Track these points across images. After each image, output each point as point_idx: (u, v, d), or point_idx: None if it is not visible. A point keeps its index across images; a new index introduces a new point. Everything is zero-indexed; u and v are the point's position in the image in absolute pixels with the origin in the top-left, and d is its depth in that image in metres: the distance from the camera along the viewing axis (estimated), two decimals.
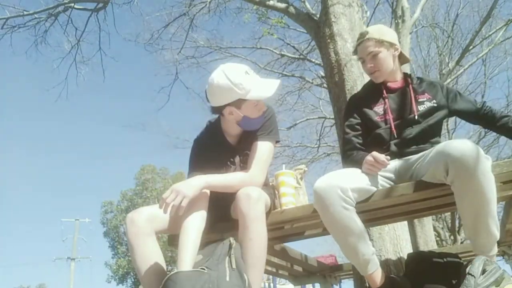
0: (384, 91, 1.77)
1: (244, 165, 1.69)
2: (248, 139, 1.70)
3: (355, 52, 1.85)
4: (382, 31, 1.77)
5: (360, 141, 1.75)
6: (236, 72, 1.53)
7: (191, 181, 1.50)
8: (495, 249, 1.41)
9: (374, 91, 1.81)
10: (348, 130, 1.79)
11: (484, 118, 1.74)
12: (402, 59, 1.84)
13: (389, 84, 1.79)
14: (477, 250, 1.41)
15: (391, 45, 1.76)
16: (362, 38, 1.77)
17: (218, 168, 1.69)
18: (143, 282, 1.46)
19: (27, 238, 60.99)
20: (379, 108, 1.76)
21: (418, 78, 1.83)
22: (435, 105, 1.71)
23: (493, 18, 8.09)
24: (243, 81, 1.51)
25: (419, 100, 1.73)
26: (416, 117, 1.68)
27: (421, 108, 1.71)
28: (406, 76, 1.82)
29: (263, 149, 1.64)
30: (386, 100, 1.75)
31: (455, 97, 1.75)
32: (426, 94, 1.74)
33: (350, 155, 1.71)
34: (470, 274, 1.20)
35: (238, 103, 1.56)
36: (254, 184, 1.54)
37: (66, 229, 30.78)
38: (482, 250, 1.39)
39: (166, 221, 1.59)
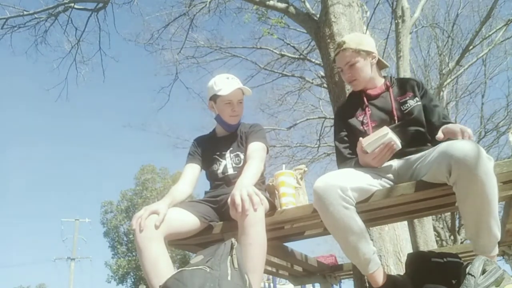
0: (365, 99, 1.80)
1: (236, 165, 1.88)
2: (235, 138, 1.94)
3: (334, 61, 1.85)
4: (359, 40, 1.77)
5: (351, 151, 1.77)
6: (220, 76, 1.93)
7: (242, 183, 1.58)
8: (496, 250, 1.41)
9: (357, 99, 1.84)
10: (337, 144, 1.82)
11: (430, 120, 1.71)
12: (380, 64, 1.87)
13: (369, 92, 1.81)
14: (478, 251, 1.41)
15: (368, 53, 1.77)
16: (339, 48, 1.76)
17: (208, 160, 1.95)
18: (152, 285, 1.46)
19: (27, 238, 61.08)
20: (362, 117, 1.78)
21: (396, 79, 1.85)
22: (419, 102, 1.73)
23: (493, 18, 8.11)
24: (220, 81, 1.90)
25: (401, 101, 1.75)
26: (397, 121, 1.69)
27: (405, 107, 1.72)
28: (386, 79, 1.84)
29: (259, 146, 1.85)
30: (367, 108, 1.78)
31: (425, 93, 1.78)
32: (407, 93, 1.76)
33: (343, 165, 1.73)
34: (470, 274, 1.19)
35: (215, 97, 1.91)
36: (260, 169, 1.73)
37: (66, 229, 30.64)
38: (483, 250, 1.39)
39: (176, 226, 1.62)
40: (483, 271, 1.21)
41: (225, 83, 1.88)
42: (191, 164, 1.95)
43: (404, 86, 1.80)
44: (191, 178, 1.90)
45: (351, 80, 1.79)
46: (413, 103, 1.72)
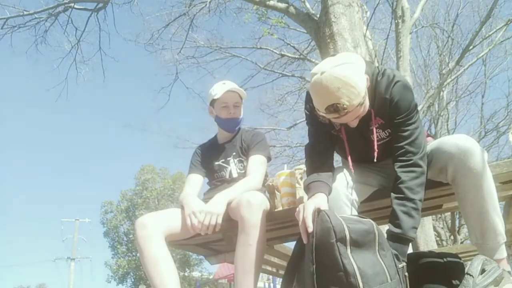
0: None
1: (240, 171, 1.90)
2: (237, 145, 1.95)
3: (328, 121, 1.42)
4: (352, 92, 1.23)
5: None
6: (218, 83, 1.98)
7: (216, 200, 1.63)
8: (505, 251, 1.36)
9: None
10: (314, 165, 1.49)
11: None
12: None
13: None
14: (487, 255, 1.29)
15: (363, 97, 1.28)
16: (338, 115, 1.27)
17: (212, 167, 1.95)
18: (155, 284, 1.48)
19: (27, 238, 61.14)
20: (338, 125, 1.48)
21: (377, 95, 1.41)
22: (387, 134, 1.44)
23: (493, 18, 8.10)
24: (216, 86, 1.95)
25: (370, 127, 1.43)
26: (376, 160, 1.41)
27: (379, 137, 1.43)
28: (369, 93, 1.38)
29: (259, 160, 1.86)
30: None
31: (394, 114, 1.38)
32: (378, 118, 1.42)
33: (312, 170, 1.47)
34: (469, 274, 1.19)
35: (213, 102, 1.97)
36: (256, 188, 1.72)
37: (66, 229, 30.64)
38: (492, 254, 1.34)
39: (175, 226, 1.64)
40: (482, 271, 1.21)
41: (221, 88, 1.92)
42: (196, 175, 1.96)
43: (377, 106, 1.41)
44: (197, 189, 1.91)
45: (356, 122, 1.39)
46: (383, 135, 1.44)
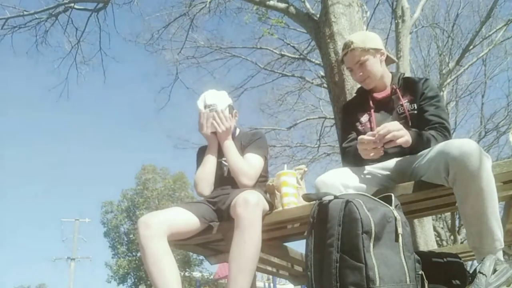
0: (371, 102, 1.78)
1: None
2: (237, 145, 1.96)
3: (342, 61, 1.84)
4: (365, 38, 1.75)
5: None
6: (200, 99, 1.98)
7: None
8: (501, 257, 1.34)
9: (363, 98, 1.83)
10: (344, 145, 1.81)
11: None
12: (388, 60, 1.84)
13: (375, 95, 1.79)
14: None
15: (377, 51, 1.74)
16: (347, 49, 1.75)
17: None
18: (157, 284, 1.47)
19: (27, 238, 61.15)
20: (365, 118, 1.78)
21: (404, 79, 1.80)
22: (415, 111, 1.67)
23: (493, 18, 8.11)
24: (199, 105, 1.96)
25: (400, 103, 1.71)
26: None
27: (401, 110, 1.69)
28: (393, 80, 1.79)
29: (254, 159, 1.88)
30: (372, 110, 1.76)
31: (425, 99, 1.69)
32: (408, 96, 1.73)
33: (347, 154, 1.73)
34: (481, 273, 1.17)
35: None
36: (248, 176, 1.80)
37: (66, 229, 30.67)
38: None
39: (178, 225, 1.63)
40: (494, 271, 1.20)
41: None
42: None
43: (409, 87, 1.75)
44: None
45: (364, 79, 1.76)
46: (409, 107, 1.69)
